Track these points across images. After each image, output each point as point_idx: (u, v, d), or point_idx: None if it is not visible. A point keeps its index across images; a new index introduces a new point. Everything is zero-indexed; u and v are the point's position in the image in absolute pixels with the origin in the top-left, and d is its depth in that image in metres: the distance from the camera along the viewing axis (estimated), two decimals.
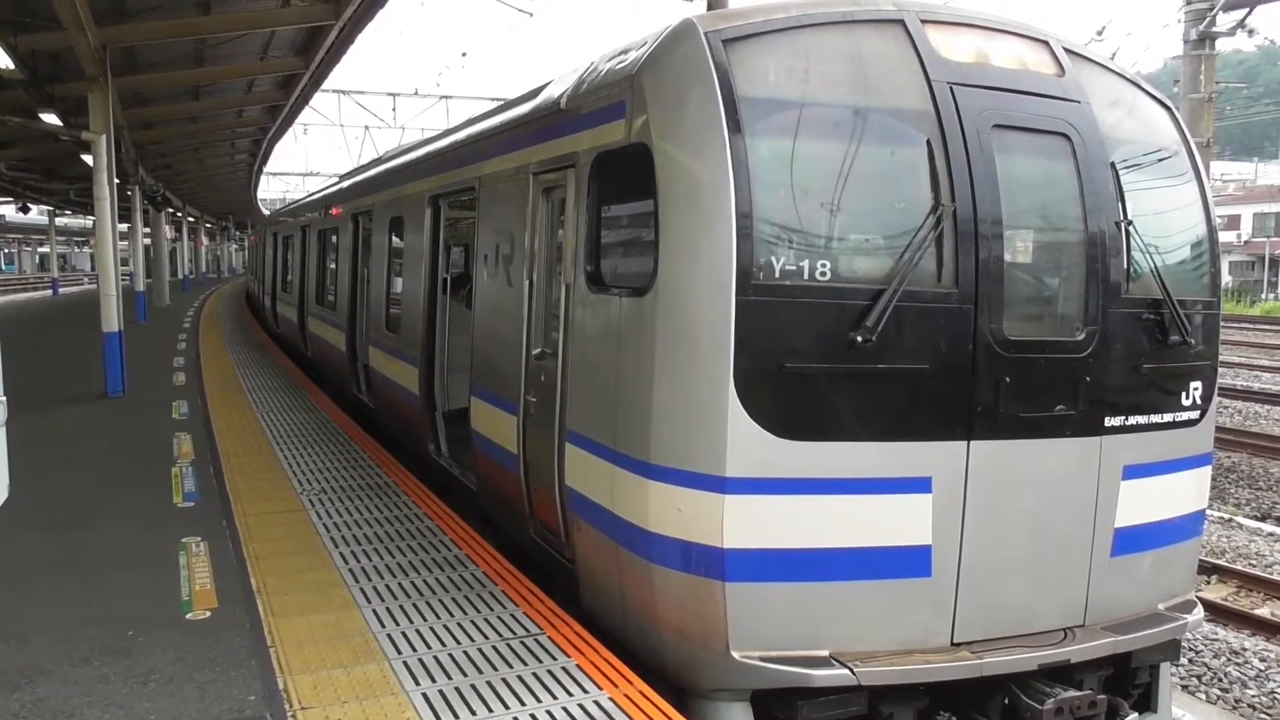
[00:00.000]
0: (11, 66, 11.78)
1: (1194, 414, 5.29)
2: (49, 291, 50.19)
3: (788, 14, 4.67)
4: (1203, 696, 7.92)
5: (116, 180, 14.05)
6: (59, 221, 56.21)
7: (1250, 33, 15.96)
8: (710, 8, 5.15)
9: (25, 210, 41.10)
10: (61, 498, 7.96)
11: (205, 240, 60.98)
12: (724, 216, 4.32)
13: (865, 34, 4.77)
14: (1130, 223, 5.01)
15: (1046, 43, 5.14)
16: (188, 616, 5.42)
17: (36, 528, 7.01)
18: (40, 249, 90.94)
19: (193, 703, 4.42)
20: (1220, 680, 8.16)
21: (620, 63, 5.17)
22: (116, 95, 14.90)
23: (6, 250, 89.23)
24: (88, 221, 58.06)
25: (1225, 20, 15.56)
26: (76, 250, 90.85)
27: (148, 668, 4.78)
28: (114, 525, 7.18)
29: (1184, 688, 8.01)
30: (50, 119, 15.13)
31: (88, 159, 15.03)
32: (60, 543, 6.79)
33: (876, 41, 4.77)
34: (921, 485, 4.56)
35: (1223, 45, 16.07)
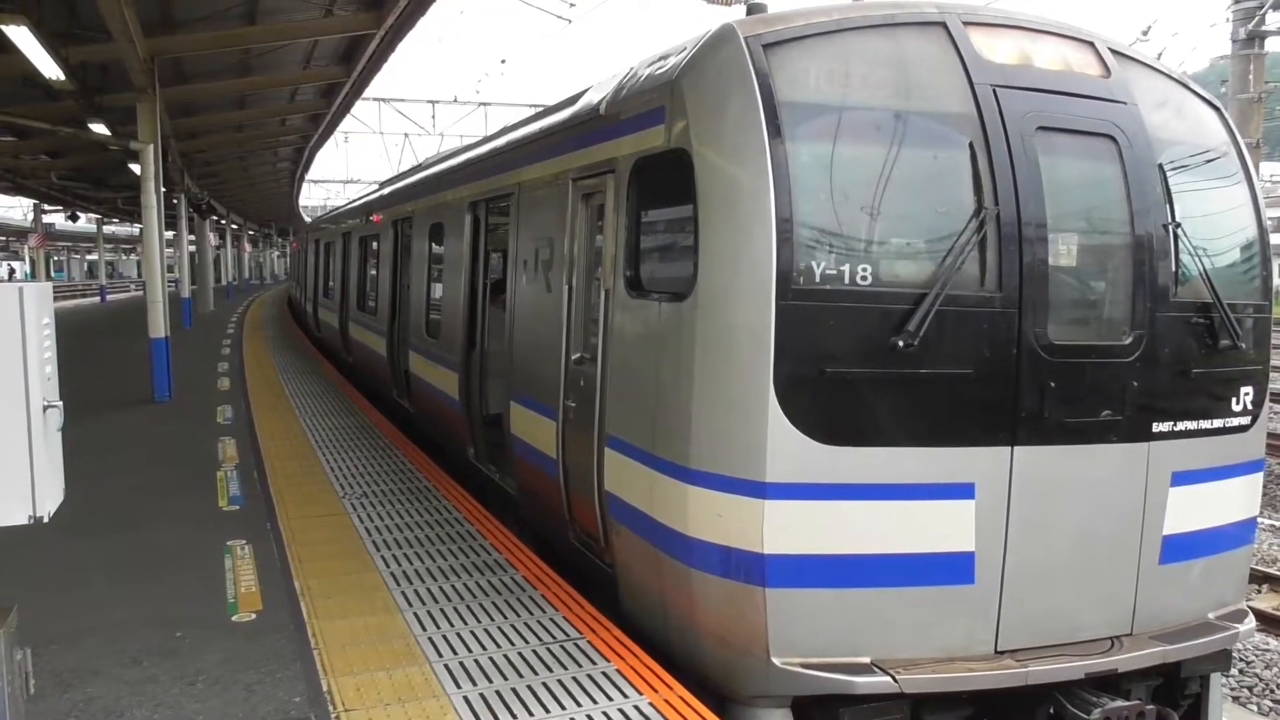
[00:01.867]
0: (62, 77, 12.03)
1: (1245, 419, 5.18)
2: (97, 298, 51.25)
3: (828, 17, 4.65)
4: (1254, 708, 7.76)
5: (163, 189, 14.30)
6: (106, 229, 57.43)
7: None
8: (749, 13, 5.13)
9: (74, 218, 42.11)
10: (110, 501, 8.11)
11: (248, 247, 61.96)
12: (764, 221, 4.30)
13: (907, 37, 4.74)
14: (1179, 225, 4.92)
15: (1091, 43, 5.07)
16: (233, 618, 5.50)
17: (86, 531, 7.14)
18: (89, 256, 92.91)
19: (239, 703, 4.49)
20: (1272, 692, 7.99)
21: (660, 68, 5.17)
22: (164, 105, 15.17)
23: (56, 258, 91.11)
24: (134, 229, 59.29)
25: (1275, 19, 15.29)
26: (123, 258, 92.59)
27: (195, 669, 4.86)
28: (161, 528, 7.32)
29: (1235, 699, 7.85)
30: (99, 129, 15.47)
31: (135, 168, 15.35)
32: (109, 545, 6.93)
33: (918, 44, 4.73)
34: (965, 491, 4.51)
35: (1272, 44, 15.78)
